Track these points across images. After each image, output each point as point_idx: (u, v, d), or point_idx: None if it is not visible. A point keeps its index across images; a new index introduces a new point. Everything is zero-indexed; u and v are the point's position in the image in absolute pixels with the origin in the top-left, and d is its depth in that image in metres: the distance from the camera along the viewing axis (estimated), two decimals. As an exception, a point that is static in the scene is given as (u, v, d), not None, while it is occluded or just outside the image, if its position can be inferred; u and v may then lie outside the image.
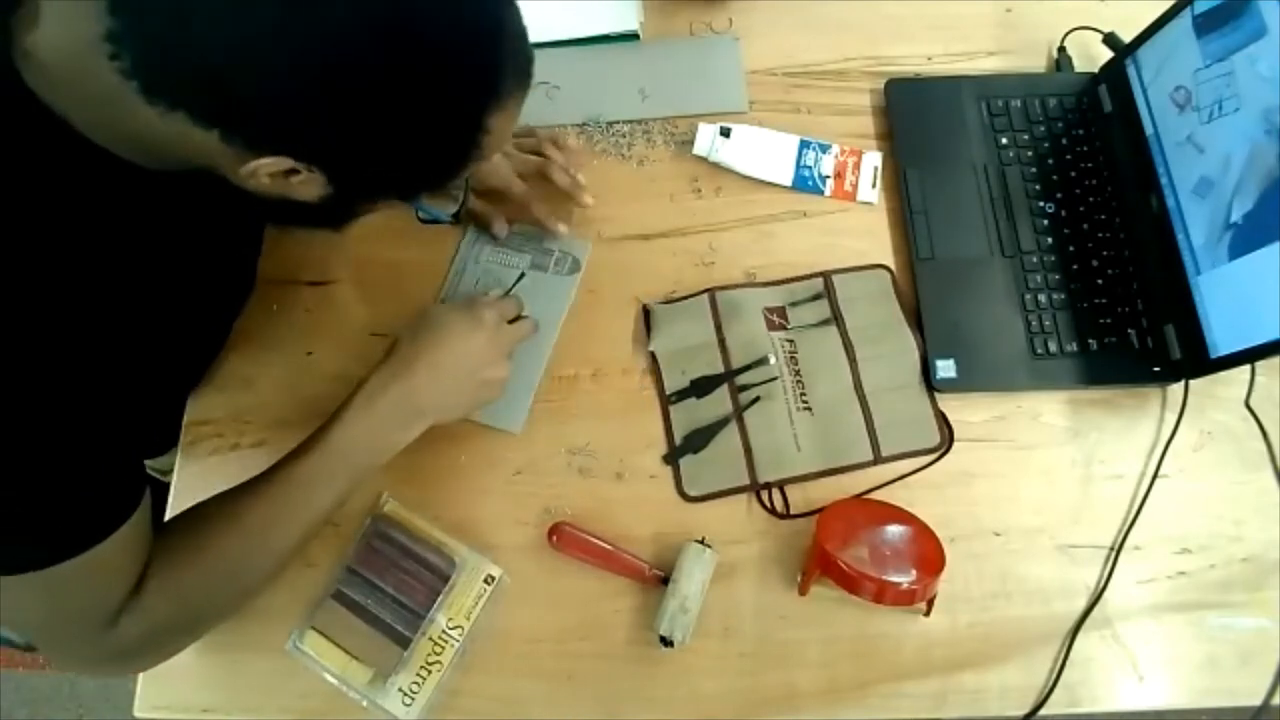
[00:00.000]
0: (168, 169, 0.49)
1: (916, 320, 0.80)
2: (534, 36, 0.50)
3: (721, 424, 0.76)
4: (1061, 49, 0.91)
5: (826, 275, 0.82)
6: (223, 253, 0.64)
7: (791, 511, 0.75)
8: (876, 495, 0.75)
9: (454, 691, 0.69)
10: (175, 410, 0.76)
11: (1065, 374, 0.79)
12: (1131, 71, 0.84)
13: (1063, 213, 0.84)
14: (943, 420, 0.78)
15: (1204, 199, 0.74)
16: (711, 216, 0.85)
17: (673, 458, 0.76)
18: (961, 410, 0.78)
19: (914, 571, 0.68)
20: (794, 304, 0.81)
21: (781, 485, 0.75)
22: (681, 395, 0.78)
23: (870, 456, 0.76)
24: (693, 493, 0.75)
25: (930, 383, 0.78)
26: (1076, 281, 0.81)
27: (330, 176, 0.48)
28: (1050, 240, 0.83)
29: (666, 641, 0.68)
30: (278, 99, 0.43)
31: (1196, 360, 0.74)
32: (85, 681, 1.46)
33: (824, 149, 0.86)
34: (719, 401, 0.77)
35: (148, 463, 0.76)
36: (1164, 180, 0.79)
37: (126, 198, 0.50)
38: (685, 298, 0.81)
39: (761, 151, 0.85)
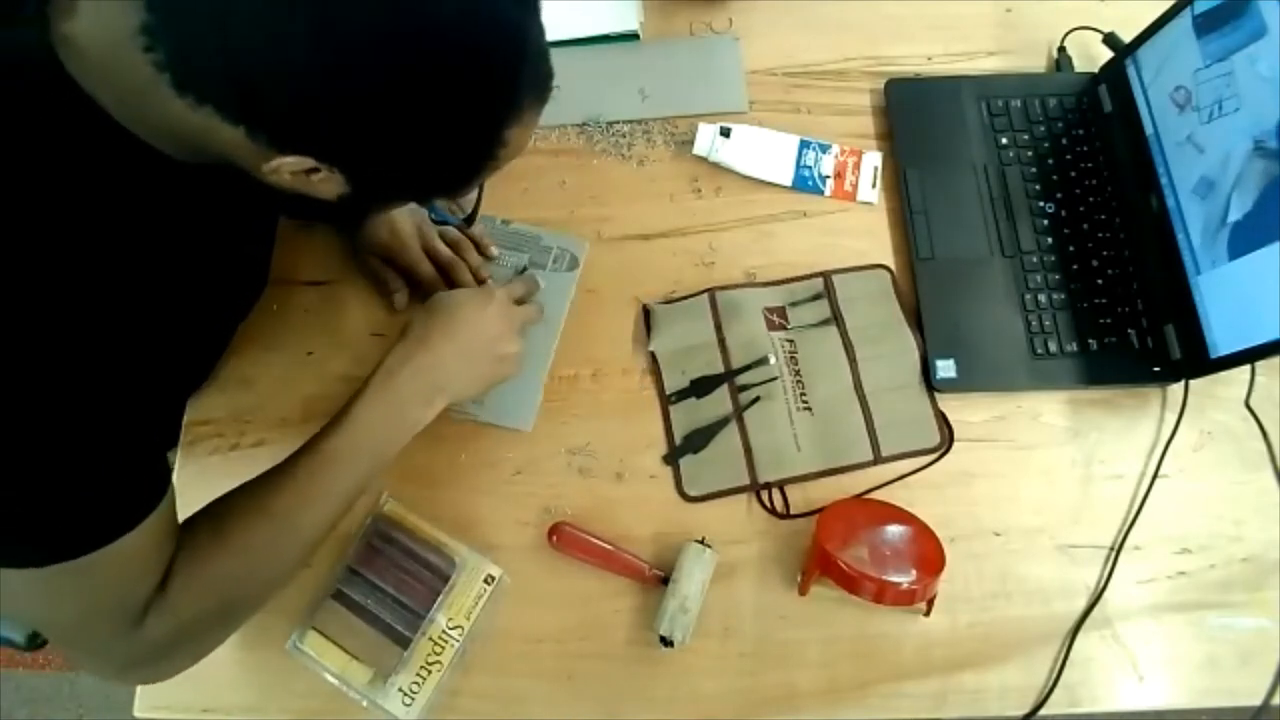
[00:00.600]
0: (194, 160, 0.50)
1: (916, 320, 0.80)
2: (535, 36, 0.50)
3: (721, 424, 0.76)
4: (1061, 49, 0.91)
5: (826, 275, 0.82)
6: (239, 248, 0.65)
7: (791, 511, 0.75)
8: (876, 495, 0.75)
9: (454, 691, 0.69)
10: (177, 409, 0.76)
11: (1065, 374, 0.79)
12: (1131, 71, 0.84)
13: (1063, 213, 0.84)
14: (943, 420, 0.78)
15: (1204, 199, 0.74)
16: (711, 216, 0.85)
17: (673, 458, 0.76)
18: (961, 410, 0.78)
19: (914, 571, 0.68)
20: (794, 304, 0.81)
21: (781, 485, 0.75)
22: (681, 395, 0.78)
23: (870, 456, 0.76)
24: (693, 493, 0.75)
25: (930, 383, 0.78)
26: (1076, 281, 0.81)
27: (349, 177, 0.50)
28: (1050, 240, 0.83)
29: (666, 641, 0.68)
30: (304, 101, 0.44)
31: (1196, 360, 0.74)
32: (85, 681, 1.46)
33: (824, 149, 0.86)
34: (719, 401, 0.77)
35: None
36: (1164, 180, 0.79)
37: (153, 185, 0.50)
38: (685, 298, 0.81)
39: (761, 151, 0.85)
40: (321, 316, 0.80)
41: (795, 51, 0.91)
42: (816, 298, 0.82)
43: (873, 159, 0.86)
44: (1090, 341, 0.79)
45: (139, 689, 0.69)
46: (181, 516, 0.59)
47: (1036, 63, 0.92)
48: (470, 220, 0.69)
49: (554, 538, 0.72)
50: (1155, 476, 0.76)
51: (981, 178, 0.85)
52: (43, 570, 0.48)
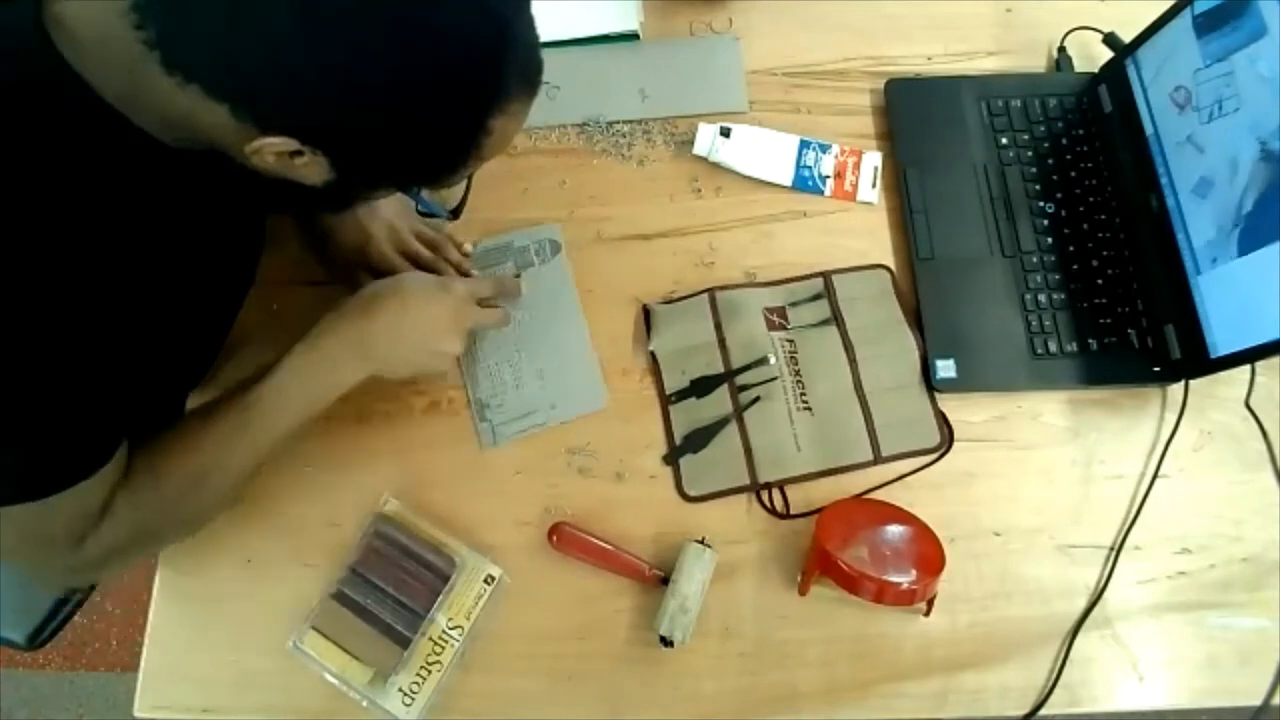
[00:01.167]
0: (181, 144, 0.51)
1: (916, 320, 0.80)
2: (534, 37, 0.50)
3: (721, 424, 0.76)
4: (1061, 49, 0.91)
5: (826, 275, 0.82)
6: (222, 239, 0.65)
7: (791, 511, 0.75)
8: (876, 495, 0.75)
9: (454, 691, 0.69)
10: (177, 408, 0.76)
11: (1065, 374, 0.79)
12: (1131, 71, 0.84)
13: (1063, 213, 0.84)
14: (943, 420, 0.78)
15: (1204, 199, 0.74)
16: (711, 216, 0.85)
17: (673, 458, 0.76)
18: (961, 410, 0.78)
19: (914, 571, 0.68)
20: (794, 304, 0.81)
21: (781, 485, 0.75)
22: (681, 395, 0.78)
23: (870, 456, 0.76)
24: (693, 493, 0.75)
25: (930, 383, 0.78)
26: (1076, 281, 0.81)
27: (333, 161, 0.50)
28: (1050, 240, 0.83)
29: (666, 641, 0.68)
30: (289, 83, 0.44)
31: (1196, 360, 0.74)
32: (85, 681, 1.46)
33: (824, 149, 0.86)
34: (719, 401, 0.77)
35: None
36: (1164, 180, 0.79)
37: (138, 167, 0.51)
38: (685, 298, 0.81)
39: (761, 151, 0.85)
40: (321, 317, 0.80)
41: (795, 51, 0.91)
42: (816, 298, 0.82)
43: (873, 159, 0.86)
44: (1090, 341, 0.79)
45: (139, 689, 0.70)
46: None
47: (1036, 63, 0.92)
48: (457, 214, 0.69)
49: (554, 538, 0.72)
50: (1155, 476, 0.76)
51: (981, 178, 0.85)
52: (6, 508, 0.53)
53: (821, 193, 0.86)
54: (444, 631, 0.70)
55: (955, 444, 0.77)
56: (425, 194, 0.65)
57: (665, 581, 0.70)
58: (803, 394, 0.77)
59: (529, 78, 0.52)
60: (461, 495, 0.75)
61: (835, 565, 0.67)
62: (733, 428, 0.76)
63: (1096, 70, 0.89)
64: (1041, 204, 0.84)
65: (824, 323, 0.80)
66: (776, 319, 0.81)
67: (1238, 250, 0.70)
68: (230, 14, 0.42)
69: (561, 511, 0.74)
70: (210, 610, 0.72)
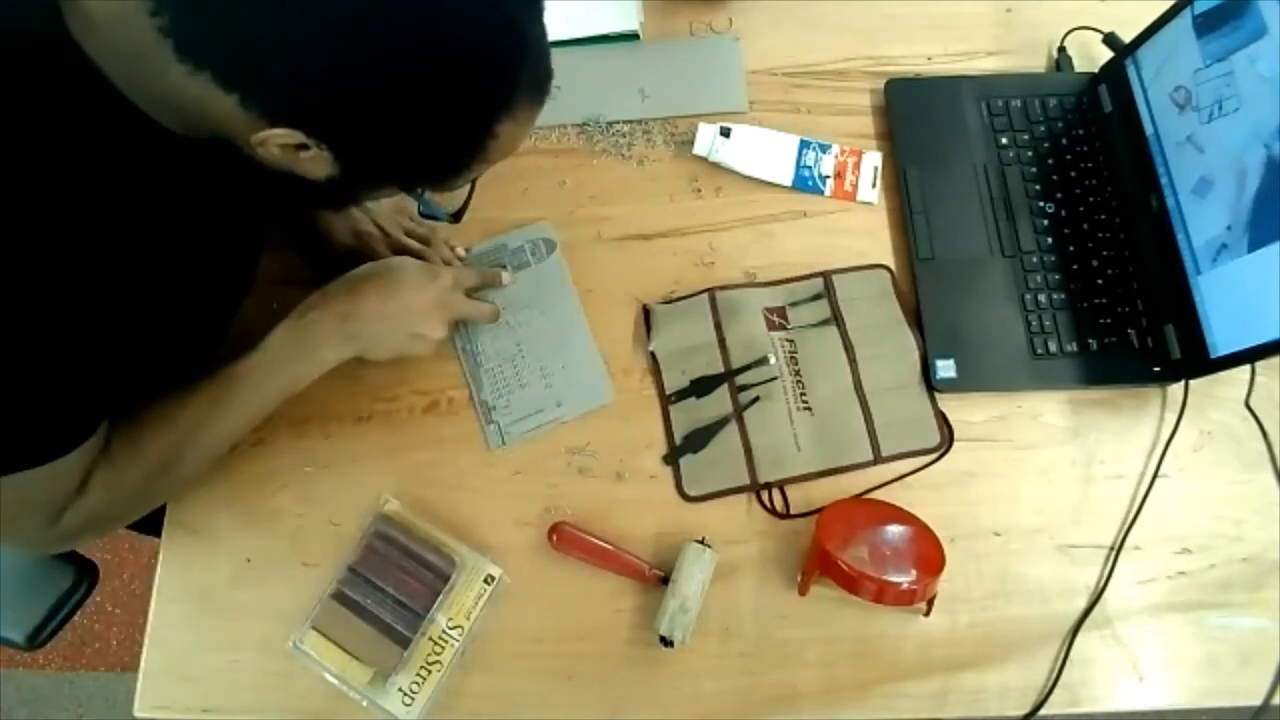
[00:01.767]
0: (188, 134, 0.51)
1: (916, 320, 0.80)
2: (535, 36, 0.50)
3: (721, 424, 0.76)
4: (1061, 49, 0.91)
5: (826, 275, 0.82)
6: (227, 232, 0.66)
7: (791, 511, 0.75)
8: (876, 495, 0.75)
9: (454, 691, 0.69)
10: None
11: (1065, 374, 0.79)
12: (1131, 71, 0.84)
13: (1063, 213, 0.84)
14: (943, 420, 0.78)
15: (1204, 199, 0.74)
16: (711, 216, 0.85)
17: (673, 458, 0.76)
18: (961, 410, 0.78)
19: (914, 571, 0.68)
20: (794, 304, 0.81)
21: (781, 485, 0.75)
22: (681, 395, 0.78)
23: (870, 456, 0.76)
24: (693, 493, 0.75)
25: (930, 383, 0.78)
26: (1076, 281, 0.81)
27: (337, 156, 0.50)
28: (1050, 240, 0.83)
29: (666, 641, 0.68)
30: (299, 75, 0.45)
31: (1196, 360, 0.74)
32: (85, 681, 1.46)
33: (824, 149, 0.86)
34: (719, 401, 0.77)
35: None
36: (1164, 180, 0.79)
37: (144, 154, 0.51)
38: (685, 298, 0.81)
39: (761, 151, 0.85)
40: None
41: (795, 51, 0.91)
42: (816, 298, 0.82)
43: (873, 159, 0.86)
44: (1090, 341, 0.79)
45: (139, 689, 0.70)
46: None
47: (1036, 63, 0.92)
48: (458, 217, 0.69)
49: (554, 538, 0.72)
50: (1155, 476, 0.76)
51: (981, 178, 0.85)
52: None
53: (821, 193, 0.86)
54: (444, 631, 0.70)
55: (955, 444, 0.77)
56: (428, 196, 0.65)
57: (665, 581, 0.70)
58: (803, 394, 0.77)
59: (539, 85, 0.52)
60: (461, 495, 0.75)
61: (835, 565, 0.67)
62: (733, 428, 0.76)
63: (1096, 70, 0.89)
64: (1041, 204, 0.84)
65: (824, 323, 0.80)
66: (776, 319, 0.81)
67: (1238, 250, 0.70)
68: (245, 4, 0.43)
69: (561, 511, 0.74)
70: (210, 610, 0.72)
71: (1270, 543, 0.75)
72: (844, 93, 0.90)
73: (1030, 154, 0.86)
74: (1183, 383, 0.77)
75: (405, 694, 0.68)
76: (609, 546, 0.72)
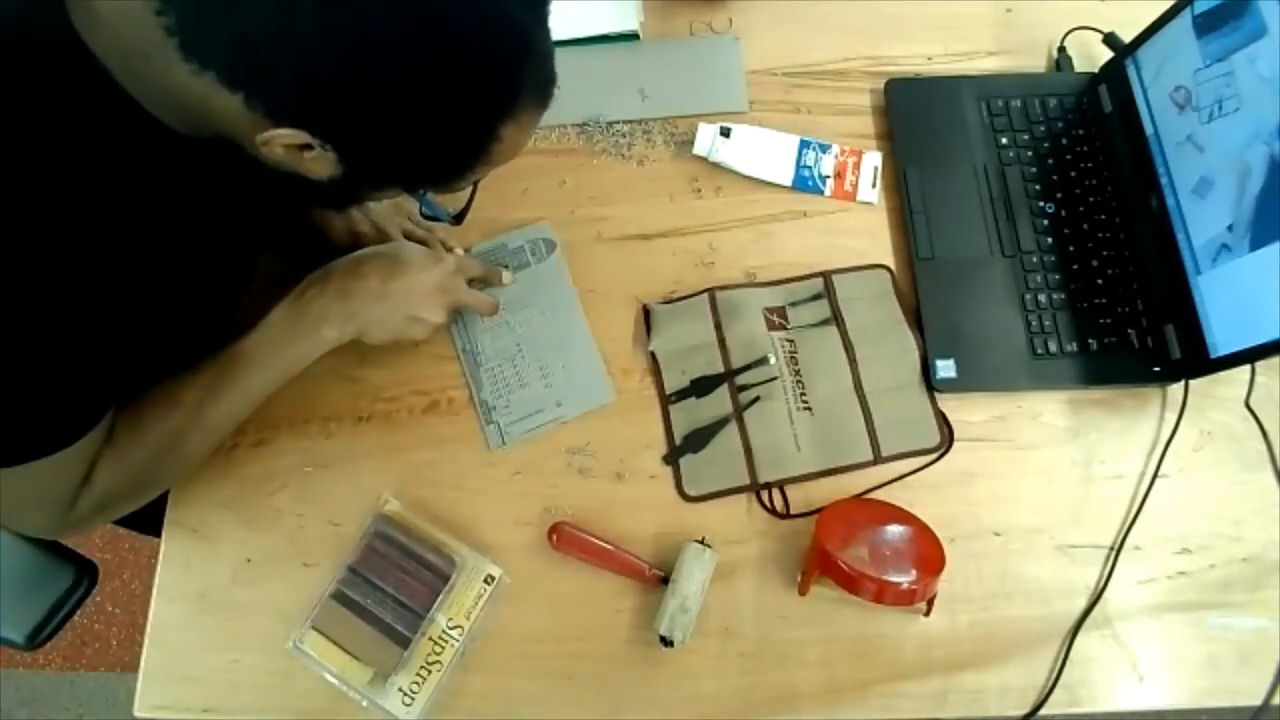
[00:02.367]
0: (191, 132, 0.51)
1: (916, 320, 0.80)
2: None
3: (721, 424, 0.76)
4: (1061, 49, 0.91)
5: (826, 275, 0.82)
6: (229, 228, 0.66)
7: (791, 511, 0.75)
8: (876, 495, 0.75)
9: (454, 691, 0.69)
10: None
11: (1065, 374, 0.79)
12: (1131, 71, 0.84)
13: (1063, 213, 0.84)
14: (943, 420, 0.78)
15: (1204, 199, 0.74)
16: (711, 216, 0.85)
17: (673, 457, 0.76)
18: (961, 410, 0.78)
19: (914, 571, 0.68)
20: (794, 304, 0.81)
21: (781, 485, 0.75)
22: (681, 395, 0.78)
23: (870, 456, 0.76)
24: (693, 493, 0.75)
25: (930, 383, 0.78)
26: (1076, 281, 0.81)
27: (341, 157, 0.50)
28: (1050, 240, 0.83)
29: (666, 641, 0.68)
30: (304, 75, 0.45)
31: (1196, 360, 0.74)
32: (85, 681, 1.46)
33: (824, 149, 0.86)
34: (719, 401, 0.77)
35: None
36: (1164, 180, 0.79)
37: (147, 150, 0.52)
38: (685, 298, 0.81)
39: (761, 151, 0.85)
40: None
41: (795, 51, 0.91)
42: (816, 298, 0.82)
43: (873, 159, 0.86)
44: (1090, 341, 0.79)
45: (139, 689, 0.70)
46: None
47: (1036, 63, 0.92)
48: (460, 219, 0.69)
49: (554, 538, 0.72)
50: (1155, 476, 0.76)
51: (981, 178, 0.85)
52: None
53: (821, 193, 0.86)
54: (444, 631, 0.70)
55: (955, 444, 0.77)
56: (430, 197, 0.65)
57: (665, 581, 0.70)
58: (803, 394, 0.77)
59: (542, 88, 0.52)
60: (461, 495, 0.75)
61: (835, 565, 0.67)
62: (733, 428, 0.76)
63: (1096, 70, 0.89)
64: (1041, 204, 0.84)
65: (824, 323, 0.80)
66: (776, 319, 0.81)
67: (1238, 250, 0.70)
68: (251, 4, 0.43)
69: (561, 511, 0.74)
70: (210, 610, 0.72)
71: (1270, 543, 0.75)
72: (844, 93, 0.90)
73: (1030, 154, 0.86)
74: (1183, 383, 0.77)
75: (405, 694, 0.68)
76: (609, 546, 0.72)
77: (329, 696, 0.69)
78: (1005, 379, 0.79)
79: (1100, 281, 0.81)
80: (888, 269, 0.83)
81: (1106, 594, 0.73)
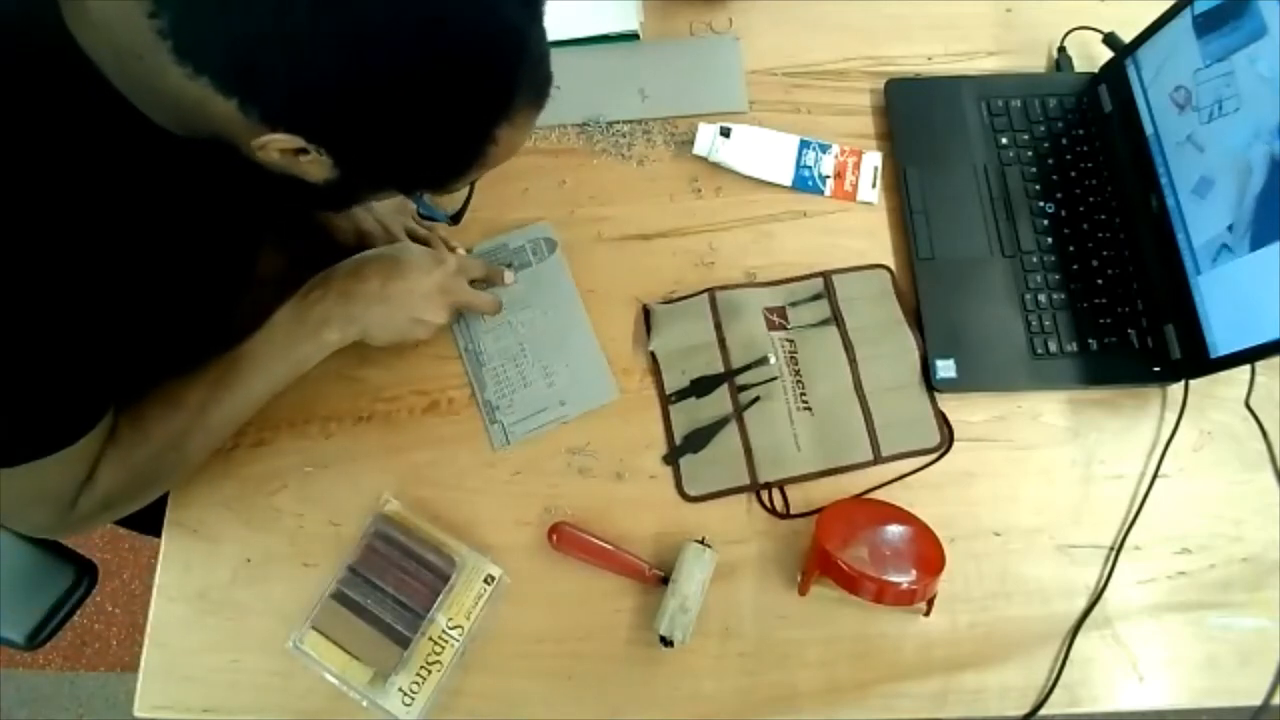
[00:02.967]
0: (187, 134, 0.51)
1: (916, 320, 0.80)
2: (535, 36, 0.50)
3: (721, 424, 0.76)
4: (1061, 49, 0.91)
5: (826, 275, 0.82)
6: (226, 227, 0.66)
7: (791, 511, 0.75)
8: (876, 495, 0.75)
9: (454, 691, 0.69)
10: None
11: (1065, 374, 0.79)
12: (1131, 71, 0.84)
13: (1063, 213, 0.84)
14: (943, 420, 0.78)
15: (1204, 199, 0.74)
16: (711, 216, 0.85)
17: (673, 457, 0.76)
18: (961, 410, 0.78)
19: (914, 571, 0.68)
20: (794, 304, 0.81)
21: (781, 485, 0.75)
22: (681, 395, 0.78)
23: (870, 456, 0.76)
24: (693, 492, 0.75)
25: (930, 383, 0.78)
26: (1076, 281, 0.81)
27: (337, 161, 0.50)
28: (1050, 240, 0.83)
29: (666, 641, 0.68)
30: (298, 80, 0.45)
31: (1196, 360, 0.74)
32: (85, 681, 1.46)
33: (824, 149, 0.86)
34: (719, 401, 0.77)
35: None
36: (1164, 180, 0.79)
37: (143, 152, 0.51)
38: (685, 298, 0.81)
39: (761, 151, 0.85)
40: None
41: (795, 51, 0.91)
42: (816, 298, 0.82)
43: (873, 159, 0.86)
44: (1090, 341, 0.79)
45: (139, 689, 0.70)
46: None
47: (1036, 63, 0.92)
48: (457, 219, 0.69)
49: (554, 538, 0.72)
50: (1155, 476, 0.76)
51: (981, 178, 0.85)
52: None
53: (821, 193, 0.86)
54: (444, 631, 0.70)
55: (955, 444, 0.77)
56: (427, 198, 0.65)
57: (665, 581, 0.70)
58: (803, 394, 0.77)
59: (538, 89, 0.52)
60: (461, 495, 0.75)
61: (835, 565, 0.67)
62: (733, 428, 0.76)
63: (1096, 70, 0.89)
64: (1041, 204, 0.84)
65: (824, 323, 0.80)
66: (776, 319, 0.81)
67: (1238, 250, 0.70)
68: (245, 8, 0.42)
69: (561, 511, 0.74)
70: (210, 610, 0.72)
71: (1270, 543, 0.75)
72: (844, 93, 0.90)
73: (1030, 154, 0.86)
74: (1183, 383, 0.77)
75: (405, 694, 0.68)
76: (609, 546, 0.72)
77: (329, 696, 0.69)
78: (1005, 379, 0.79)
79: (1100, 281, 0.81)
80: (888, 269, 0.83)
81: (1106, 594, 0.73)
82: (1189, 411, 0.77)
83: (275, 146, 0.48)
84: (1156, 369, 0.78)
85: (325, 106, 0.46)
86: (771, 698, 0.70)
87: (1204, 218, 0.74)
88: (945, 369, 0.78)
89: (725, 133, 0.85)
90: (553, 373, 0.78)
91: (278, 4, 0.42)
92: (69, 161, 0.49)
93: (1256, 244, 0.68)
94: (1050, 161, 0.86)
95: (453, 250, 0.82)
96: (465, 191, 0.65)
